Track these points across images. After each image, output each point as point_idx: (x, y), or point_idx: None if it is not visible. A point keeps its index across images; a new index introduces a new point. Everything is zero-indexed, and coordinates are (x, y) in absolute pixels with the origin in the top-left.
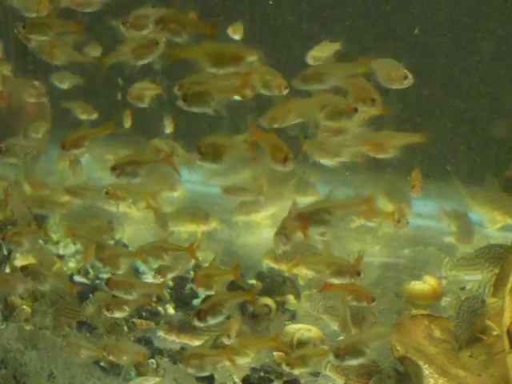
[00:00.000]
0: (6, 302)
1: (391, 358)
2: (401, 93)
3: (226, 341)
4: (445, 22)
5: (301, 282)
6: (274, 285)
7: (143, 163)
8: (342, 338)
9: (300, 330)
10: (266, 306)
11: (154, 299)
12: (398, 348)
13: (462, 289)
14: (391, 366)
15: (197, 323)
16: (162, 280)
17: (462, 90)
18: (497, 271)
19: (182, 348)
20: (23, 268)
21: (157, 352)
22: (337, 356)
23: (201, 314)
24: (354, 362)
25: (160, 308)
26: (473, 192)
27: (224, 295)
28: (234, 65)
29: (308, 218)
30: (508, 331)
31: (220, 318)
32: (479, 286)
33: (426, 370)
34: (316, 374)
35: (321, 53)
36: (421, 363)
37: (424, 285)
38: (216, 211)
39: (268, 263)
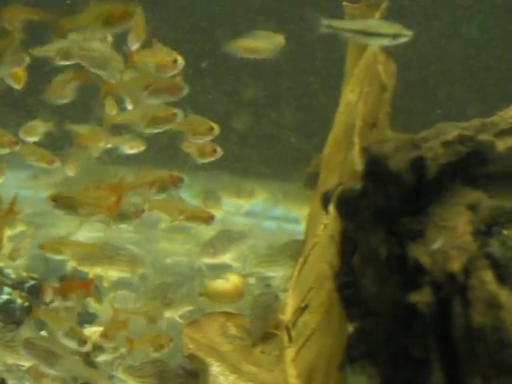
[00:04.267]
0: None
1: (181, 357)
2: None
3: None
4: None
5: (105, 284)
6: None
7: (82, 203)
8: None
9: (96, 332)
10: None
11: None
12: (190, 346)
13: (268, 285)
14: (180, 365)
15: None
16: None
17: None
18: None
19: None
20: None
21: None
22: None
23: None
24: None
25: None
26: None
27: None
28: (123, 22)
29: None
30: (287, 326)
31: None
32: (280, 282)
33: (218, 367)
34: (111, 377)
35: None
36: (212, 361)
37: (226, 283)
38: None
39: (73, 265)
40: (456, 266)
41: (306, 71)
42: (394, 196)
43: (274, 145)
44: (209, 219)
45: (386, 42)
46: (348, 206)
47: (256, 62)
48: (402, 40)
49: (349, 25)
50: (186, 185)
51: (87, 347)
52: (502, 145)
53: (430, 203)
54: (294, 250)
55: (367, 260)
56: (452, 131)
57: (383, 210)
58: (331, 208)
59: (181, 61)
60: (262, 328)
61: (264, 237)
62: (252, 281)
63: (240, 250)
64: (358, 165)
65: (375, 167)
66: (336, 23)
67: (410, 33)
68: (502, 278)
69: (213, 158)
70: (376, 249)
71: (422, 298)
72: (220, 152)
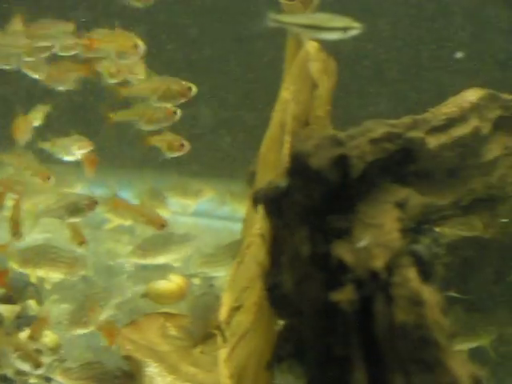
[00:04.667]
0: None
1: (118, 358)
2: None
3: None
4: None
5: (47, 286)
6: (16, 290)
7: None
8: None
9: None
10: None
11: None
12: (128, 347)
13: (211, 286)
14: (118, 367)
15: None
16: None
17: None
18: None
19: None
20: None
21: None
22: None
23: None
24: None
25: None
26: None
27: None
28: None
29: None
30: (221, 326)
31: None
32: (224, 282)
33: (156, 368)
34: (48, 380)
35: None
36: (150, 361)
37: (169, 284)
38: None
39: (14, 266)
40: (379, 263)
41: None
42: (317, 194)
43: (222, 143)
44: (161, 226)
45: (336, 35)
46: (274, 204)
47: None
48: (352, 33)
49: (297, 19)
50: (131, 185)
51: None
52: (433, 142)
53: (358, 201)
54: (236, 250)
55: (292, 259)
56: (379, 128)
57: (307, 208)
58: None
59: (142, 46)
60: (203, 328)
61: (211, 236)
62: (197, 281)
63: (178, 252)
64: (288, 163)
65: (297, 165)
66: (283, 17)
67: (359, 25)
68: (426, 276)
69: (181, 153)
70: (299, 247)
71: (344, 296)
72: (188, 146)
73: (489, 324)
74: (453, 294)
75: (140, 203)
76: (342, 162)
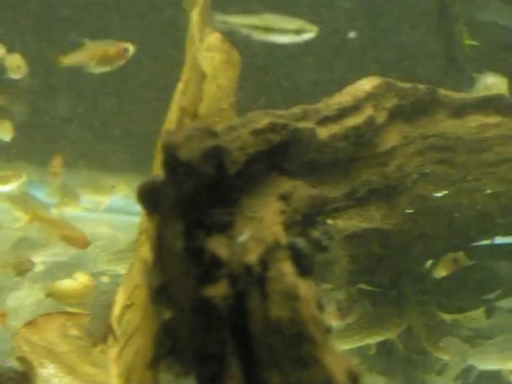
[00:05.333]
0: None
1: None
2: None
3: None
4: None
5: None
6: None
7: None
8: None
9: None
10: None
11: None
12: (24, 348)
13: (118, 284)
14: (12, 368)
15: None
16: None
17: None
18: None
19: None
20: None
21: None
22: None
23: None
24: None
25: None
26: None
27: None
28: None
29: None
30: (112, 325)
31: None
32: None
33: (52, 369)
34: None
35: None
36: (46, 362)
37: (73, 283)
38: None
39: None
40: (252, 257)
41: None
42: (189, 187)
43: (135, 139)
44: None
45: (287, 38)
46: (150, 198)
47: None
48: (306, 36)
49: (246, 20)
50: (42, 182)
51: None
52: (325, 132)
53: (243, 194)
54: None
55: (169, 255)
56: (263, 119)
57: (180, 202)
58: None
59: None
60: (103, 327)
61: (124, 233)
62: (105, 279)
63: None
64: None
65: (167, 157)
66: (231, 18)
67: (314, 28)
68: (304, 270)
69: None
70: (173, 242)
71: (217, 291)
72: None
73: (397, 317)
74: (361, 287)
75: (60, 218)
76: (215, 154)
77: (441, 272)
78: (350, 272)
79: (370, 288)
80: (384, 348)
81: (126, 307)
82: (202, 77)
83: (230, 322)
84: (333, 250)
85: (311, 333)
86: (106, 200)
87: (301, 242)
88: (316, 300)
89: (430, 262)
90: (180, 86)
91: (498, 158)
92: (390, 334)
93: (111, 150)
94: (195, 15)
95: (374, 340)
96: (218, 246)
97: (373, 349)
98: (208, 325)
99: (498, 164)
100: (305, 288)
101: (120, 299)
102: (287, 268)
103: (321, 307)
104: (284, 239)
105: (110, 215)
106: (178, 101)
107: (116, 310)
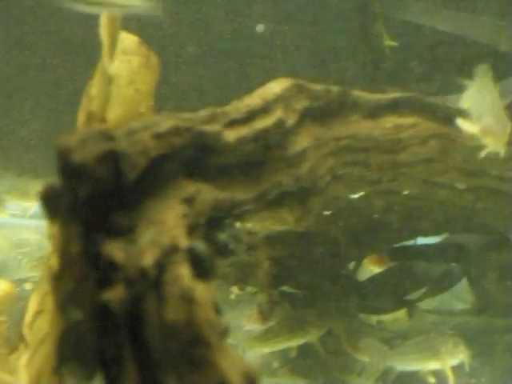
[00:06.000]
0: None
1: None
2: None
3: None
4: None
5: None
6: None
7: None
8: None
9: None
10: None
11: None
12: None
13: None
14: None
15: None
16: None
17: None
18: None
19: None
20: None
21: None
22: None
23: None
24: None
25: None
26: None
27: None
28: None
29: None
30: (22, 331)
31: None
32: None
33: None
34: None
35: None
36: None
37: None
38: None
39: None
40: (147, 260)
41: None
42: (85, 191)
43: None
44: None
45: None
46: (51, 203)
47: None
48: (135, 9)
49: None
50: None
51: None
52: (232, 135)
53: (147, 198)
54: None
55: (70, 259)
56: (165, 122)
57: (78, 206)
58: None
59: None
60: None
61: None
62: (28, 286)
63: None
64: None
65: (60, 161)
66: None
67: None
68: (203, 273)
69: None
70: (69, 247)
71: (113, 295)
72: None
73: (318, 320)
74: (284, 289)
75: None
76: (112, 157)
77: (363, 273)
78: (273, 275)
79: (293, 290)
80: (305, 350)
81: (37, 314)
82: (110, 80)
83: (127, 325)
84: (254, 253)
85: (206, 335)
86: (32, 206)
87: (200, 245)
88: (212, 303)
89: (352, 263)
90: (91, 90)
91: (413, 159)
92: (311, 337)
93: (39, 156)
94: (104, 19)
95: (294, 343)
96: (114, 249)
97: (294, 351)
98: (106, 329)
99: (414, 165)
100: (201, 291)
101: (32, 306)
102: (184, 271)
103: (218, 310)
104: (183, 242)
105: (37, 221)
106: (85, 105)
107: (28, 317)
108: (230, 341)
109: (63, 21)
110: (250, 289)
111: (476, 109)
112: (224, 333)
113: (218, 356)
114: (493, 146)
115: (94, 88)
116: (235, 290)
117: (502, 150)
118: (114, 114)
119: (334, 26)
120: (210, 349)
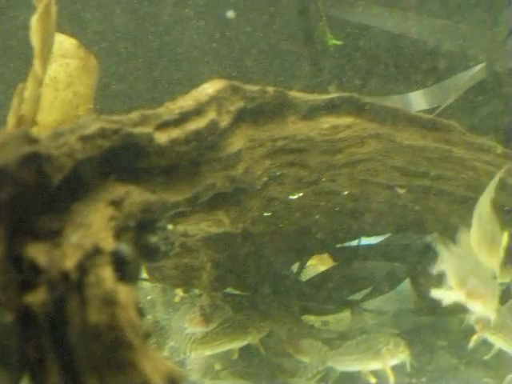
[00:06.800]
0: None
1: None
2: None
3: None
4: None
5: None
6: None
7: None
8: None
9: None
10: None
11: None
12: None
13: None
14: None
15: None
16: None
17: None
18: None
19: None
20: None
21: None
22: None
23: None
24: None
25: None
26: None
27: None
28: None
29: None
30: None
31: None
32: None
33: None
34: None
35: None
36: None
37: None
38: None
39: None
40: (69, 263)
41: None
42: (7, 194)
43: None
44: None
45: None
46: None
47: None
48: None
49: None
50: None
51: None
52: (164, 137)
53: (75, 201)
54: None
55: None
56: (92, 125)
57: (1, 209)
58: None
59: None
60: None
61: None
62: None
63: None
64: None
65: None
66: None
67: None
68: (126, 275)
69: None
70: None
71: (35, 298)
72: None
73: (260, 321)
74: (227, 291)
75: None
76: (35, 160)
77: (306, 274)
78: (215, 277)
79: (236, 292)
80: (247, 352)
81: None
82: (41, 84)
83: (50, 328)
84: (196, 255)
85: (128, 338)
86: None
87: (124, 248)
88: (135, 305)
89: (295, 264)
90: (26, 93)
91: (351, 159)
92: (252, 339)
93: None
94: (34, 22)
95: (236, 345)
96: (37, 252)
97: (236, 353)
98: (29, 332)
99: (352, 165)
100: (124, 293)
101: None
102: (106, 273)
103: (141, 312)
104: (107, 245)
105: None
106: (15, 108)
107: None
108: (172, 343)
109: None
110: (196, 291)
111: (456, 273)
112: (147, 335)
113: (141, 358)
114: (482, 311)
115: (26, 91)
116: (180, 292)
117: (492, 315)
118: (51, 117)
119: (277, 26)
120: (133, 351)
